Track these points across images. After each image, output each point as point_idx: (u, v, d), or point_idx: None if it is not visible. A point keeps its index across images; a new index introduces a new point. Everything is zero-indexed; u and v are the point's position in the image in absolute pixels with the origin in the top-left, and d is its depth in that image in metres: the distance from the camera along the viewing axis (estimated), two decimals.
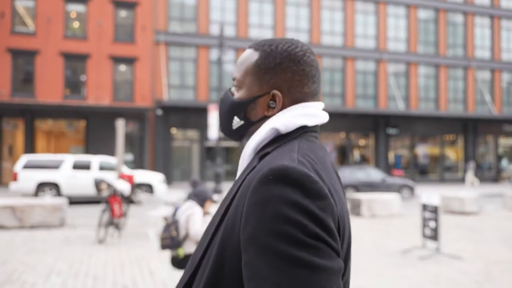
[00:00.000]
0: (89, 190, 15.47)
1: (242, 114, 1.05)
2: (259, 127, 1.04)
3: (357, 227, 10.27)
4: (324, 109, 1.08)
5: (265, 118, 1.03)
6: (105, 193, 8.18)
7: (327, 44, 26.09)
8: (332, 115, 25.81)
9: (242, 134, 1.08)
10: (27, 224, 9.55)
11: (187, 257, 4.30)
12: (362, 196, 12.23)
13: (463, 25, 28.77)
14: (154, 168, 22.56)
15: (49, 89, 21.61)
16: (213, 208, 4.89)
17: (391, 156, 27.38)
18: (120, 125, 9.40)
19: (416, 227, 9.77)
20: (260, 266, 0.80)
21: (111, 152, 21.61)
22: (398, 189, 18.45)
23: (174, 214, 4.47)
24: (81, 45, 22.11)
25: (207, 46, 24.06)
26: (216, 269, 0.90)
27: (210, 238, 0.95)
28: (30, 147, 21.52)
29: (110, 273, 5.99)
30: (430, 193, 7.55)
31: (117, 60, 22.59)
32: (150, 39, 23.05)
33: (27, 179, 15.01)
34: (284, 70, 1.01)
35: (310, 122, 1.02)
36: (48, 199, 10.10)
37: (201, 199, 4.46)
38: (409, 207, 14.36)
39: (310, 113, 1.02)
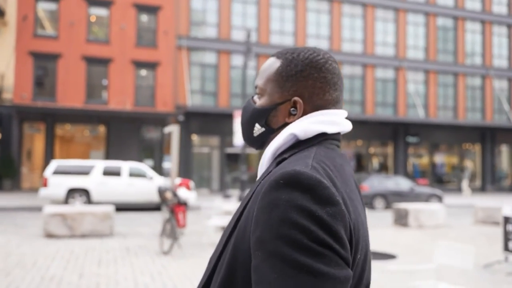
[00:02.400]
0: (119, 197, 15.18)
1: (263, 121, 1.05)
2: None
3: (414, 238, 10.01)
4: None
5: (286, 125, 1.02)
6: (169, 202, 7.89)
7: (347, 51, 25.95)
8: (351, 122, 25.53)
9: (264, 142, 1.07)
10: (78, 232, 9.25)
11: None
12: (409, 206, 11.99)
13: (481, 33, 28.72)
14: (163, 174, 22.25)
15: (71, 93, 21.32)
16: None
17: (410, 164, 27.19)
18: (175, 131, 9.13)
19: (477, 239, 9.53)
20: (265, 270, 0.80)
21: (131, 157, 21.34)
22: (426, 198, 18.23)
23: None
24: (103, 49, 21.86)
25: (228, 52, 23.86)
26: (229, 273, 0.90)
27: (225, 242, 0.95)
28: (50, 152, 21.19)
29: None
30: (510, 205, 7.33)
31: (139, 64, 22.36)
32: (172, 44, 22.84)
33: (57, 185, 14.69)
34: (305, 77, 1.01)
35: (330, 130, 1.00)
36: (98, 207, 9.80)
37: None
38: (449, 217, 14.10)
39: (331, 121, 1.00)
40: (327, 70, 1.02)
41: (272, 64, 1.05)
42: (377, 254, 4.24)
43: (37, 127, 21.33)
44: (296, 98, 1.00)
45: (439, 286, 4.08)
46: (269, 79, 1.04)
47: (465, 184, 25.15)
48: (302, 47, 1.06)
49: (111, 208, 9.71)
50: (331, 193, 0.83)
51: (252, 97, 1.10)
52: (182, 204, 7.96)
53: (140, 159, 21.60)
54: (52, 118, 21.10)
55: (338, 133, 1.04)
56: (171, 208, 7.85)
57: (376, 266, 6.15)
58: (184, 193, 8.07)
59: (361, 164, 26.72)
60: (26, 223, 11.72)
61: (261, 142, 1.08)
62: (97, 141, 22.65)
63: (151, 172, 15.86)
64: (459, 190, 27.06)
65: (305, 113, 1.01)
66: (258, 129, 1.06)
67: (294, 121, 1.01)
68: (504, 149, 29.49)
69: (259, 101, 1.06)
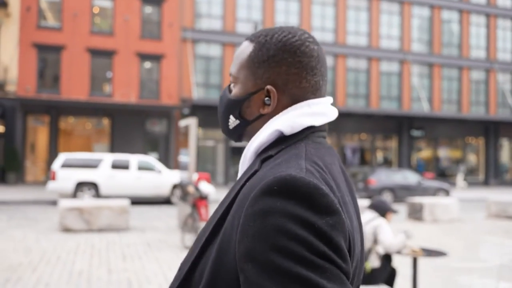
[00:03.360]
0: (128, 191, 15.04)
1: (237, 112, 0.95)
2: (255, 126, 0.94)
3: (433, 233, 9.94)
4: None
5: (261, 116, 0.93)
6: (190, 196, 7.78)
7: (352, 44, 25.80)
8: (356, 116, 25.67)
9: (240, 135, 0.98)
10: (95, 227, 9.13)
11: (373, 271, 3.95)
12: (424, 200, 11.93)
13: (485, 27, 28.62)
14: (179, 167, 22.12)
15: (75, 85, 21.09)
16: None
17: (414, 158, 27.17)
18: (193, 125, 9.00)
19: (494, 233, 9.49)
20: (261, 284, 0.70)
21: (136, 150, 21.17)
22: (434, 192, 18.19)
23: None
24: (107, 41, 21.62)
25: (233, 44, 23.67)
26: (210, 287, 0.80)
27: (200, 248, 0.85)
28: (54, 145, 21.00)
29: None
30: None
31: (144, 57, 22.14)
32: (177, 36, 22.61)
33: (66, 178, 14.52)
34: (278, 63, 0.90)
35: (318, 122, 0.92)
36: (114, 200, 9.68)
37: (381, 210, 4.15)
38: (461, 212, 14.06)
39: (318, 112, 0.92)
40: (303, 53, 0.91)
41: (245, 49, 0.95)
42: (426, 251, 4.14)
43: (41, 120, 21.11)
44: (269, 87, 0.90)
45: (500, 286, 3.99)
46: (242, 65, 0.94)
47: (459, 178, 25.15)
48: (278, 27, 0.94)
49: (127, 202, 9.59)
50: (330, 201, 0.75)
51: (229, 85, 0.99)
52: (204, 198, 7.85)
53: (144, 152, 21.43)
54: (56, 111, 20.89)
55: (325, 124, 0.95)
56: (193, 202, 7.74)
57: (429, 264, 6.04)
58: (205, 187, 7.95)
59: (365, 158, 26.67)
60: (38, 217, 11.59)
61: (237, 135, 0.99)
62: (101, 134, 22.46)
63: (159, 166, 15.74)
64: (454, 184, 27.06)
65: (280, 102, 0.91)
66: (232, 121, 0.97)
67: (268, 111, 0.91)
68: (505, 143, 29.50)
69: (233, 91, 0.96)
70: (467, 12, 28.05)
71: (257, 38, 0.94)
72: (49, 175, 20.69)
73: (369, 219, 4.09)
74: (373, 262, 3.98)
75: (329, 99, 0.96)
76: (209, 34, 23.32)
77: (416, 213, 11.87)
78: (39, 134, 21.65)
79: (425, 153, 27.89)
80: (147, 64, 22.41)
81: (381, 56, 26.28)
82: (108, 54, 21.63)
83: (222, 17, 23.74)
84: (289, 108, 0.91)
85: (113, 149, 21.53)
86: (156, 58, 22.30)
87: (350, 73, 25.89)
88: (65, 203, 9.18)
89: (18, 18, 20.45)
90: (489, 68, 28.43)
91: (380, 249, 4.04)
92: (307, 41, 0.92)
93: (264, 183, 0.76)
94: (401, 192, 17.83)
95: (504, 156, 29.57)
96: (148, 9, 22.51)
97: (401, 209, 14.78)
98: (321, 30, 25.38)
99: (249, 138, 0.97)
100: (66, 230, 8.97)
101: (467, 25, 28.09)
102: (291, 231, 0.71)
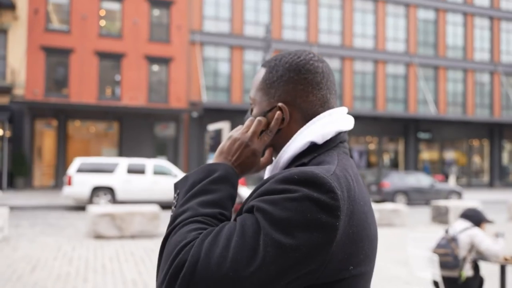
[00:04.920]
0: (144, 195, 14.86)
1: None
2: (276, 141, 1.03)
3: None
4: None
5: (279, 131, 1.02)
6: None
7: (359, 47, 25.82)
8: (363, 118, 25.65)
9: (264, 150, 1.07)
10: (127, 233, 8.97)
11: (468, 280, 3.87)
12: (449, 203, 11.90)
13: (489, 29, 28.79)
14: (188, 171, 21.96)
15: (83, 89, 20.88)
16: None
17: (421, 160, 27.21)
18: (226, 128, 8.89)
19: None
20: (250, 221, 0.82)
21: (145, 154, 20.99)
22: (446, 195, 18.20)
23: (447, 231, 4.09)
24: (116, 44, 21.44)
25: (241, 47, 23.58)
26: None
27: None
28: (63, 149, 20.76)
29: None
30: None
31: (152, 60, 21.97)
32: (185, 39, 22.48)
33: (82, 183, 14.30)
34: (286, 82, 1.00)
35: (344, 127, 1.01)
36: (146, 206, 9.52)
37: (476, 220, 4.08)
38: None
39: (339, 119, 1.00)
40: (308, 71, 1.00)
41: (259, 73, 1.06)
42: None
43: (49, 124, 20.83)
44: (280, 104, 1.00)
45: None
46: (257, 88, 1.05)
47: (452, 179, 25.22)
48: (289, 52, 1.05)
49: (157, 208, 9.45)
50: (336, 206, 0.82)
51: (251, 108, 1.09)
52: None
53: (153, 156, 21.25)
54: (64, 115, 20.65)
55: (347, 135, 1.03)
56: (235, 208, 7.61)
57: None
58: (245, 192, 7.83)
59: (371, 160, 26.67)
60: (59, 223, 11.41)
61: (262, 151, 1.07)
62: (110, 138, 22.24)
63: (175, 170, 15.58)
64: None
65: (293, 117, 1.00)
66: None
67: (284, 126, 1.00)
68: (507, 145, 29.63)
69: (253, 112, 1.06)
70: (471, 15, 28.20)
71: (269, 63, 1.05)
72: (59, 180, 20.49)
73: (463, 228, 4.03)
74: (468, 271, 3.90)
75: (345, 109, 1.04)
76: (217, 37, 23.21)
77: (441, 216, 11.82)
78: (47, 138, 21.39)
79: (430, 155, 27.94)
80: (156, 67, 22.25)
81: (387, 59, 26.32)
82: (116, 57, 21.44)
83: (230, 19, 23.65)
84: (314, 119, 0.99)
85: (121, 153, 21.33)
86: (164, 61, 22.15)
87: (357, 76, 25.90)
88: (95, 209, 9.02)
89: (26, 21, 20.21)
90: (493, 70, 28.58)
91: (476, 256, 3.97)
92: (311, 60, 1.01)
93: (288, 172, 0.85)
94: (414, 195, 17.82)
95: (504, 158, 29.71)
96: (157, 12, 22.36)
97: (415, 211, 14.76)
98: (328, 32, 25.38)
99: (277, 152, 1.05)
100: (98, 237, 8.80)
101: (471, 28, 28.23)
102: (295, 198, 0.81)
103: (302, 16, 24.98)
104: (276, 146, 1.03)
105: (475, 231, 3.97)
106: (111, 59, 21.41)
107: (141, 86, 21.71)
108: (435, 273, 3.94)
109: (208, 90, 23.01)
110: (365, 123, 25.53)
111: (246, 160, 1.02)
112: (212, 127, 9.82)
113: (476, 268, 4.01)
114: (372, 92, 26.25)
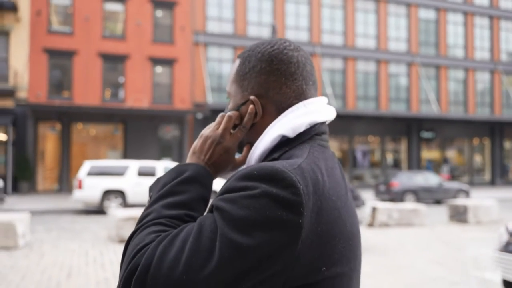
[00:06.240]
0: None
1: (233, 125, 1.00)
2: (251, 135, 0.96)
3: (489, 236, 9.85)
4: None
5: (253, 125, 0.96)
6: None
7: (361, 47, 25.83)
8: (366, 118, 25.65)
9: (240, 147, 1.01)
10: None
11: None
12: (468, 202, 11.88)
13: (489, 28, 28.95)
14: None
15: (87, 91, 20.64)
16: None
17: (424, 160, 27.26)
18: None
19: None
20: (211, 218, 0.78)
21: (149, 156, 20.79)
22: (454, 194, 18.21)
23: (507, 228, 4.00)
24: (119, 46, 21.22)
25: (244, 48, 23.44)
26: None
27: None
28: (66, 152, 20.50)
29: None
30: None
31: (156, 61, 21.79)
32: (189, 40, 22.32)
33: (92, 186, 14.10)
34: (258, 73, 0.94)
35: (319, 118, 0.93)
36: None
37: None
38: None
39: (315, 110, 0.93)
40: (281, 61, 0.93)
41: (234, 65, 1.00)
42: None
43: (52, 127, 20.55)
44: (252, 97, 0.94)
45: None
46: (232, 81, 0.99)
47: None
48: (263, 41, 0.97)
49: None
50: (297, 202, 0.76)
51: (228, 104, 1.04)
52: None
53: (158, 158, 21.06)
54: (68, 117, 20.40)
55: (326, 126, 0.97)
56: None
57: None
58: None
59: (374, 160, 26.68)
60: (74, 227, 11.22)
61: (238, 147, 1.01)
62: (114, 140, 22.01)
63: None
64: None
65: (266, 111, 0.94)
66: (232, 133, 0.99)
67: (257, 120, 0.94)
68: (507, 143, 29.81)
69: (229, 106, 1.00)
70: (471, 14, 28.33)
71: (243, 54, 0.98)
72: (63, 184, 20.23)
73: None
74: None
75: (324, 99, 0.97)
76: (221, 38, 23.09)
77: (459, 215, 11.79)
78: (50, 141, 21.12)
79: (433, 154, 28.02)
80: (159, 69, 22.07)
81: (389, 59, 26.36)
82: (120, 58, 21.23)
83: (233, 20, 23.54)
84: (286, 112, 0.92)
85: (126, 155, 21.12)
86: (168, 62, 21.97)
87: (360, 76, 25.90)
88: (119, 213, 8.86)
89: (28, 23, 19.94)
90: (493, 69, 28.74)
91: None
92: (285, 49, 0.94)
93: (249, 168, 0.80)
94: (423, 194, 17.83)
95: (505, 156, 29.87)
96: (160, 13, 22.19)
97: (437, 211, 14.72)
98: (330, 32, 25.36)
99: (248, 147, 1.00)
100: (123, 241, 8.64)
101: (471, 27, 28.37)
102: (253, 195, 0.76)
103: (305, 16, 24.94)
104: (253, 142, 0.97)
105: None
106: (115, 61, 21.20)
107: (145, 88, 21.51)
108: (507, 274, 3.86)
109: (212, 91, 22.87)
110: (368, 122, 25.54)
111: (219, 159, 0.96)
112: None
113: None
114: (374, 91, 26.26)
